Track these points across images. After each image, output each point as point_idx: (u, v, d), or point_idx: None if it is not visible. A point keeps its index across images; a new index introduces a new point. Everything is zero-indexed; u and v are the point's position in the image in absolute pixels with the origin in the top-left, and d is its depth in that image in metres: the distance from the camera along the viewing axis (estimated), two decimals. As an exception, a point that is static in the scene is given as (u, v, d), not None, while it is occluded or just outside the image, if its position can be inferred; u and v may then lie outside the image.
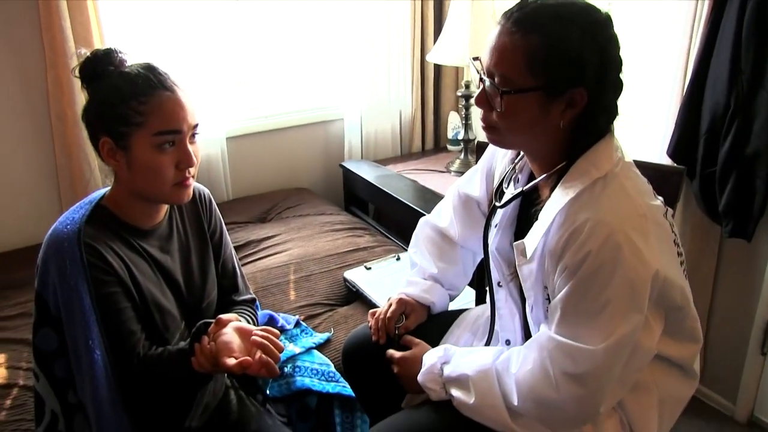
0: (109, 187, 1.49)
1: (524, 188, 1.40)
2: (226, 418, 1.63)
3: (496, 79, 1.24)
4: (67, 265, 1.33)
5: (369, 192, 3.17)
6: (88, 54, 1.40)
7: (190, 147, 1.40)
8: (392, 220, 3.15)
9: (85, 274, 1.32)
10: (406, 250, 2.57)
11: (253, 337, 1.34)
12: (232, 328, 1.36)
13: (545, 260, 1.29)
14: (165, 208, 1.53)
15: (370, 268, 2.45)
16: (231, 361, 1.27)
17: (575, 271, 1.21)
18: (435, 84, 3.56)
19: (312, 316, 2.23)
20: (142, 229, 1.47)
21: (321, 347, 2.04)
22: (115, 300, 1.37)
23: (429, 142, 3.64)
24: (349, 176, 3.35)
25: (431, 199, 2.76)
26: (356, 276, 2.40)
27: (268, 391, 1.80)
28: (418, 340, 1.61)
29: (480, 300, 2.11)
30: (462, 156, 3.19)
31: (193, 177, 1.44)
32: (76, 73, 1.40)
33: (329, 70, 3.46)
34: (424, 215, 1.87)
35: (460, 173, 3.05)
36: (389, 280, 2.34)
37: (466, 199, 1.71)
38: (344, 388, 1.83)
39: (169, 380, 1.40)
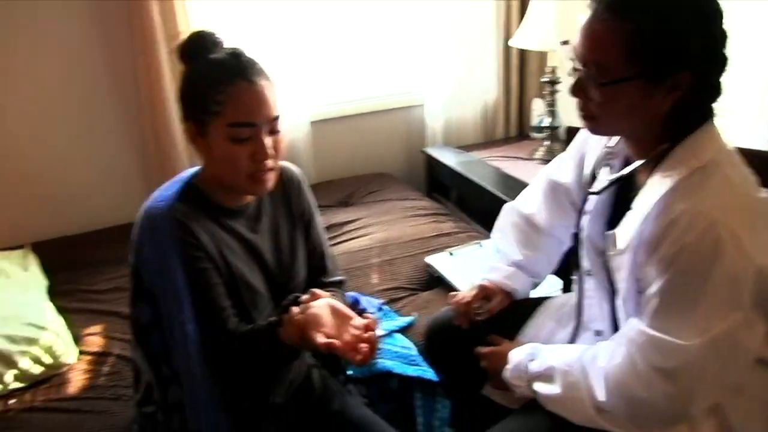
0: (199, 167, 1.50)
1: (620, 174, 1.34)
2: (308, 396, 1.64)
3: (592, 69, 1.19)
4: (161, 242, 1.35)
5: (451, 178, 3.14)
6: (190, 33, 1.40)
7: (268, 139, 1.37)
8: (474, 206, 3.11)
9: (177, 250, 1.34)
10: (489, 237, 2.54)
11: (353, 331, 1.33)
12: (325, 303, 1.35)
13: (639, 251, 1.23)
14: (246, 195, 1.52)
15: (452, 254, 2.42)
16: (320, 338, 1.27)
17: (671, 264, 1.16)
18: (519, 69, 3.49)
19: (394, 299, 2.23)
20: (231, 209, 1.47)
21: (404, 331, 2.04)
22: (206, 276, 1.38)
23: (512, 128, 3.59)
24: (431, 162, 3.32)
25: (514, 186, 2.71)
26: (439, 261, 2.38)
27: (350, 372, 1.80)
28: (504, 339, 1.59)
29: (566, 288, 2.06)
30: (546, 143, 3.12)
31: (271, 169, 1.41)
32: (176, 52, 1.40)
33: (412, 56, 3.43)
34: (508, 202, 1.83)
35: (545, 161, 3.00)
36: (472, 266, 2.30)
37: (555, 185, 1.67)
38: (426, 371, 1.83)
39: (258, 355, 1.40)
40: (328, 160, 3.33)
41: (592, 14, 1.18)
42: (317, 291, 1.38)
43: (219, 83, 1.33)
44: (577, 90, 1.25)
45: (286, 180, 1.60)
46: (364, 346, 1.29)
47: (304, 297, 1.37)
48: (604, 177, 1.40)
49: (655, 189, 1.22)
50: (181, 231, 1.36)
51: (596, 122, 1.27)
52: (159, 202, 1.39)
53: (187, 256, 1.36)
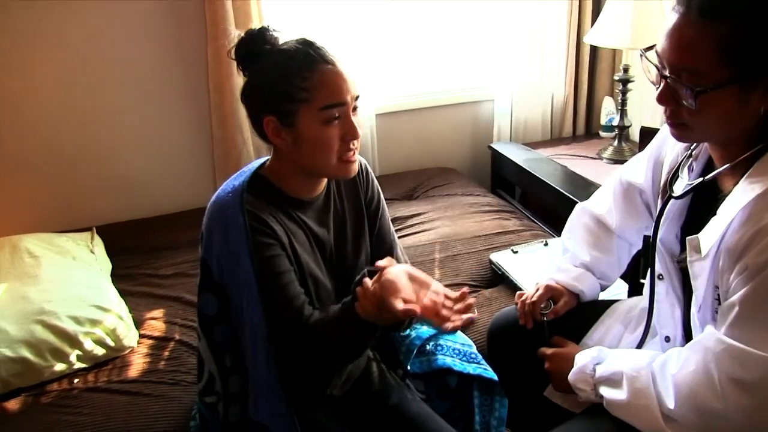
0: (265, 158, 1.50)
1: (705, 178, 1.28)
2: (367, 390, 1.64)
3: (683, 76, 1.13)
4: (231, 231, 1.35)
5: (517, 175, 3.12)
6: (242, 34, 1.41)
7: (355, 118, 1.40)
8: (540, 204, 3.08)
9: (248, 240, 1.34)
10: (554, 236, 2.54)
11: (432, 296, 1.33)
12: (401, 269, 1.32)
13: (720, 258, 1.19)
14: (325, 180, 1.53)
15: (516, 252, 2.40)
16: (398, 304, 1.23)
17: (757, 273, 1.11)
18: (590, 67, 3.42)
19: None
20: (301, 201, 1.47)
21: (464, 328, 2.00)
22: (278, 263, 1.38)
23: (580, 127, 3.52)
24: (497, 158, 3.30)
25: (582, 185, 2.69)
26: (502, 258, 2.36)
27: (409, 367, 1.79)
28: (569, 341, 1.57)
29: (633, 293, 2.01)
30: (615, 143, 3.05)
31: (357, 150, 1.43)
32: (232, 55, 1.41)
33: (481, 51, 3.40)
34: (575, 201, 1.81)
35: (613, 161, 2.95)
36: (536, 265, 2.28)
37: (628, 186, 1.62)
38: (486, 370, 1.79)
39: (336, 339, 1.36)
40: (392, 154, 3.33)
41: (681, 17, 1.12)
42: (390, 260, 1.35)
43: (302, 70, 1.34)
44: (666, 98, 1.18)
45: (360, 167, 1.61)
46: (456, 316, 1.31)
47: (379, 263, 1.33)
48: (685, 180, 1.35)
49: (742, 195, 1.16)
50: (253, 219, 1.36)
51: (687, 129, 1.21)
52: (228, 193, 1.39)
53: (258, 243, 1.35)
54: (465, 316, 1.33)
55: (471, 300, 1.37)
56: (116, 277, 2.36)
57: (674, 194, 1.35)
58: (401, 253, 1.72)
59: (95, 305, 1.98)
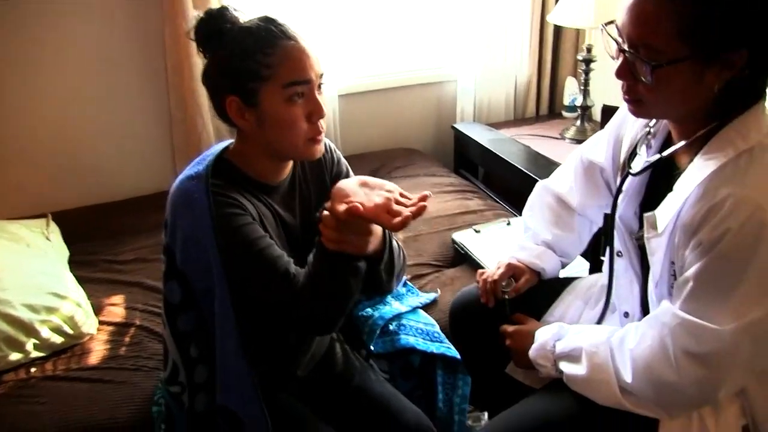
0: (228, 142, 1.48)
1: (662, 155, 1.31)
2: (330, 371, 1.65)
3: (641, 51, 1.15)
4: (196, 216, 1.33)
5: (480, 155, 3.13)
6: (201, 14, 1.38)
7: (321, 97, 1.38)
8: (503, 184, 3.10)
9: (213, 225, 1.31)
10: (516, 215, 2.56)
11: (386, 194, 1.26)
12: (354, 179, 1.31)
13: (676, 234, 1.22)
14: (290, 164, 1.51)
15: (479, 231, 2.42)
16: (341, 207, 1.22)
17: (711, 248, 1.14)
18: (554, 47, 3.44)
19: (418, 276, 2.23)
20: (267, 185, 1.46)
21: (426, 308, 2.04)
22: (251, 230, 1.34)
23: (544, 107, 3.55)
24: (460, 138, 3.31)
25: (544, 165, 2.71)
26: (465, 238, 2.38)
27: (372, 347, 1.81)
28: (530, 318, 1.59)
29: (594, 270, 2.05)
30: (578, 123, 3.09)
31: (323, 130, 1.41)
32: (192, 35, 1.39)
33: (444, 30, 3.40)
34: (537, 180, 1.82)
35: (576, 141, 2.98)
36: (498, 244, 2.30)
37: (589, 165, 1.64)
38: (448, 349, 1.82)
39: (322, 284, 1.32)
40: (355, 134, 3.31)
41: None
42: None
43: (264, 47, 1.32)
44: (624, 72, 1.20)
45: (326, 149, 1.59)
46: (402, 209, 1.22)
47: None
48: (643, 158, 1.37)
49: (697, 171, 1.19)
50: (218, 196, 1.33)
51: (643, 105, 1.23)
52: (192, 179, 1.36)
53: (225, 216, 1.32)
54: (414, 207, 1.23)
55: (427, 193, 1.28)
56: (74, 263, 2.33)
57: (632, 171, 1.38)
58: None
59: (51, 292, 1.95)
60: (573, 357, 1.37)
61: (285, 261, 1.36)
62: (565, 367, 1.38)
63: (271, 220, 1.44)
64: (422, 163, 3.18)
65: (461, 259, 2.35)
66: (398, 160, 3.21)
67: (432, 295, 2.08)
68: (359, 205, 1.20)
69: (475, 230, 2.43)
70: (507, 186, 3.01)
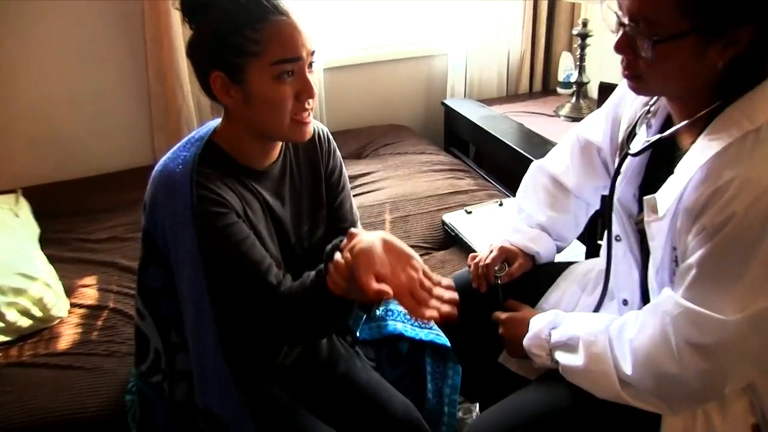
0: (217, 121, 1.44)
1: (662, 135, 1.27)
2: (315, 358, 1.61)
3: (641, 25, 1.11)
4: (177, 208, 1.29)
5: (471, 133, 3.11)
6: None
7: (310, 75, 1.33)
8: (495, 163, 3.09)
9: (194, 221, 1.28)
10: (509, 196, 2.55)
11: (412, 273, 1.20)
12: (378, 236, 1.21)
13: (678, 219, 1.18)
14: (279, 147, 1.47)
15: (470, 212, 2.40)
16: (371, 282, 1.13)
17: (715, 234, 1.10)
18: (548, 21, 3.41)
19: None
20: (255, 170, 1.42)
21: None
22: (235, 230, 1.31)
23: (537, 83, 3.52)
24: (451, 115, 3.29)
25: (538, 143, 2.69)
26: (455, 219, 2.36)
27: (358, 334, 1.77)
28: (524, 305, 1.57)
29: (591, 254, 2.02)
30: (573, 100, 3.06)
31: (312, 110, 1.36)
32: (177, 5, 1.33)
33: (435, 2, 3.36)
34: (531, 160, 1.80)
35: (571, 118, 2.96)
36: (490, 226, 2.29)
37: (585, 144, 1.61)
38: (438, 336, 1.78)
39: (306, 313, 1.30)
40: (341, 110, 3.29)
41: None
42: (357, 231, 1.25)
43: (254, 21, 1.27)
44: (623, 47, 1.16)
45: (316, 135, 1.54)
46: (435, 303, 1.19)
47: (344, 243, 1.23)
48: (642, 137, 1.34)
49: (700, 152, 1.15)
50: (202, 189, 1.30)
51: (643, 82, 1.19)
52: (178, 165, 1.32)
53: (209, 214, 1.29)
54: (446, 308, 1.19)
55: (454, 294, 1.24)
56: (45, 242, 2.28)
57: (631, 151, 1.34)
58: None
59: (19, 273, 1.90)
60: (569, 346, 1.34)
61: (267, 264, 1.33)
62: (561, 357, 1.35)
63: (258, 211, 1.41)
64: (411, 140, 3.16)
65: (452, 241, 2.34)
66: (386, 136, 3.19)
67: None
68: (390, 290, 1.14)
69: (466, 211, 2.41)
70: (499, 165, 3.00)
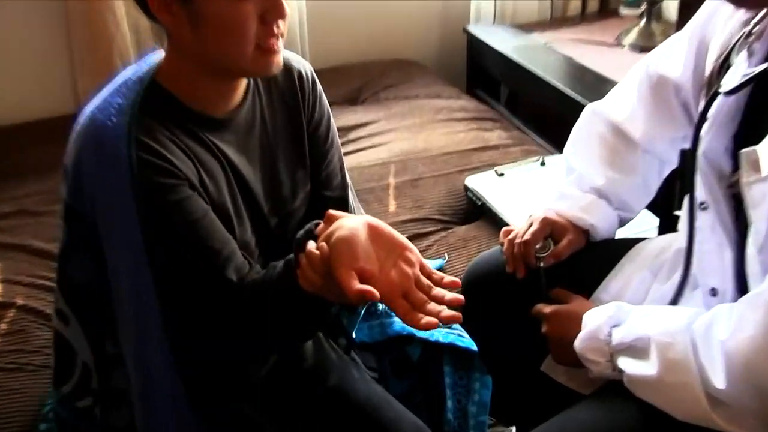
0: (161, 54, 1.42)
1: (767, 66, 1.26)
2: (298, 367, 1.61)
3: None
4: (111, 178, 1.29)
5: (504, 69, 3.13)
6: None
7: None
8: (535, 110, 3.12)
9: (136, 194, 1.27)
10: (554, 153, 2.56)
11: (405, 268, 1.20)
12: (362, 222, 1.22)
13: None
14: (244, 86, 1.45)
15: (502, 174, 2.43)
16: (353, 283, 1.13)
17: None
18: None
19: (419, 235, 2.23)
20: (213, 119, 1.41)
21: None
22: (189, 206, 1.31)
23: (593, 2, 3.55)
24: (476, 46, 3.32)
25: (594, 83, 2.71)
26: (482, 183, 2.38)
27: (355, 335, 1.77)
28: (575, 295, 1.56)
29: (665, 229, 2.02)
30: (642, 23, 3.08)
31: (282, 36, 1.35)
32: None
33: None
34: (584, 105, 1.79)
35: (640, 48, 2.98)
36: (529, 191, 2.31)
37: (659, 81, 1.61)
38: (460, 337, 1.80)
39: (275, 314, 1.31)
40: (328, 40, 3.31)
41: None
42: (337, 213, 1.25)
43: None
44: None
45: (295, 73, 1.54)
46: (435, 306, 1.17)
47: (320, 227, 1.24)
48: (740, 70, 1.32)
49: None
50: (145, 152, 1.28)
51: None
52: (110, 117, 1.31)
53: (156, 186, 1.28)
54: (447, 313, 1.17)
55: (458, 296, 1.21)
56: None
57: (723, 89, 1.33)
58: (355, 201, 1.69)
59: None
60: (637, 350, 1.33)
61: (226, 256, 1.33)
62: (626, 364, 1.34)
63: (218, 174, 1.40)
64: (423, 79, 3.19)
65: (477, 212, 2.36)
66: (389, 75, 3.22)
67: (438, 262, 2.06)
68: (375, 292, 1.13)
69: (497, 172, 2.44)
70: (540, 112, 3.03)
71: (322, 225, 1.23)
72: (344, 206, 1.61)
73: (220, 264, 1.32)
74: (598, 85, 2.61)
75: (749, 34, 1.33)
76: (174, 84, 1.38)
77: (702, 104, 1.40)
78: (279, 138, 1.53)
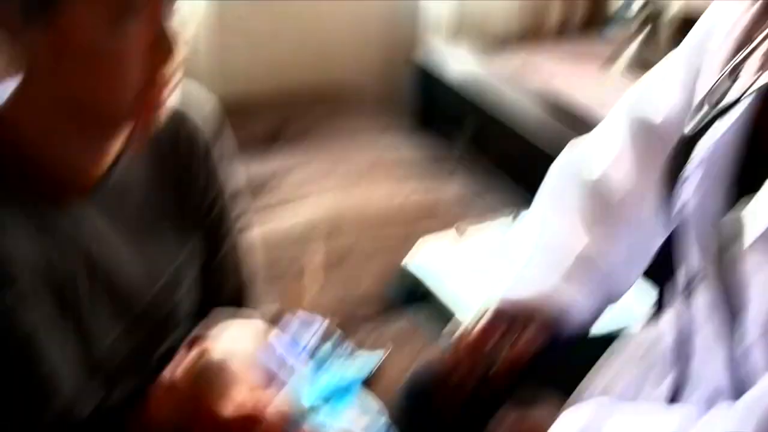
0: (6, 87, 1.34)
1: None
2: None
3: None
4: None
5: (461, 104, 3.18)
6: None
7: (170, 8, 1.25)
8: (502, 154, 3.11)
9: None
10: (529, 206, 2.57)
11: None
12: (237, 333, 1.30)
13: None
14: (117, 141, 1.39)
15: (464, 233, 2.46)
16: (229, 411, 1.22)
17: None
18: None
19: (350, 323, 2.23)
20: (70, 190, 1.34)
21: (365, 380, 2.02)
22: (19, 322, 1.26)
23: (576, 15, 3.63)
24: (428, 72, 3.37)
25: (578, 121, 2.75)
26: (433, 255, 2.40)
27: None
28: (548, 396, 1.58)
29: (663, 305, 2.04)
30: (638, 40, 3.14)
31: (178, 75, 1.28)
32: None
33: None
34: (563, 146, 1.82)
35: (638, 73, 2.97)
36: (496, 257, 2.33)
37: (642, 127, 1.64)
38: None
39: None
40: (238, 64, 3.34)
41: None
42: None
43: None
44: None
45: (188, 119, 1.50)
46: None
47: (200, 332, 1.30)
48: (744, 82, 1.32)
49: None
50: None
51: None
52: None
53: None
54: None
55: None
56: None
57: (722, 105, 1.33)
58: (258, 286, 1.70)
59: None
60: None
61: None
62: None
63: (57, 267, 1.33)
64: (359, 115, 3.24)
65: (421, 297, 2.37)
66: (316, 109, 3.26)
67: (374, 357, 2.06)
68: None
69: (458, 231, 2.47)
70: (509, 156, 3.03)
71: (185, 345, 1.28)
72: (241, 292, 1.64)
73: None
74: (583, 124, 2.66)
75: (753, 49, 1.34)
76: (11, 133, 1.30)
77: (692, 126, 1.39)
78: (157, 207, 1.49)
